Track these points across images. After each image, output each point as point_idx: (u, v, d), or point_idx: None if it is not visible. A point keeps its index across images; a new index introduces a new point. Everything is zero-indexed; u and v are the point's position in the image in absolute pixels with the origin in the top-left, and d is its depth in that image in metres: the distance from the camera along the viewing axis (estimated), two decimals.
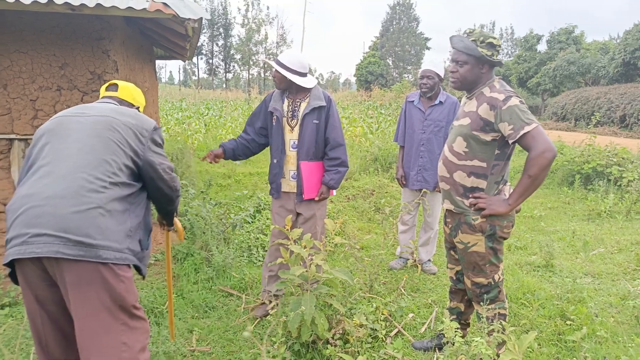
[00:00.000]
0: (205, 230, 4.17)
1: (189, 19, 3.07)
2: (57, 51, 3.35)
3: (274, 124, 3.09)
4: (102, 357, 1.66)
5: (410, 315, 3.30)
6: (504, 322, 2.16)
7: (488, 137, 2.29)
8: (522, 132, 2.14)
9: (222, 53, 51.27)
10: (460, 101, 3.99)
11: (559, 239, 5.32)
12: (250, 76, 50.24)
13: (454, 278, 2.71)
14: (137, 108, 2.22)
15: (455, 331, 2.05)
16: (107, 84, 2.18)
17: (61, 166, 1.71)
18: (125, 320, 1.72)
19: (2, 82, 3.27)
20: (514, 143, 2.23)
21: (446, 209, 2.55)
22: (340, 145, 3.10)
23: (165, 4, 3.04)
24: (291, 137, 3.08)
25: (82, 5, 2.81)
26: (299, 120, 3.04)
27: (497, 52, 2.32)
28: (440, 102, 3.95)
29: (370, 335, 2.84)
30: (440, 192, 3.88)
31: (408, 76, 45.55)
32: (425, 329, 3.16)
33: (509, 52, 56.69)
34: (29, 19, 3.21)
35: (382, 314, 3.01)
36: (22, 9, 2.79)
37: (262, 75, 47.74)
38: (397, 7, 51.11)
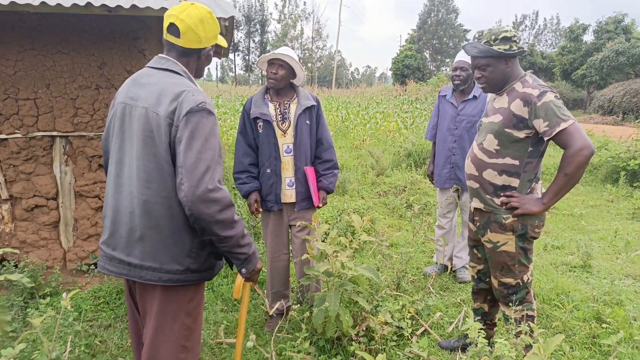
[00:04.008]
0: None
1: (220, 17, 3.13)
2: (95, 51, 3.49)
3: (260, 130, 2.88)
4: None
5: (438, 314, 3.26)
6: (532, 324, 2.11)
7: (521, 134, 2.21)
8: (558, 129, 2.07)
9: (259, 49, 51.86)
10: None
11: (600, 239, 5.12)
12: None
13: (476, 277, 2.67)
14: (206, 49, 1.84)
15: (479, 332, 2.02)
16: (167, 23, 1.76)
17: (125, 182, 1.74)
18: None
19: (45, 82, 3.43)
20: (549, 140, 2.16)
21: (474, 208, 2.50)
22: (332, 146, 3.04)
23: (203, 5, 3.11)
24: (284, 141, 2.91)
25: (118, 6, 2.91)
26: (291, 122, 2.89)
27: (515, 42, 2.23)
28: (474, 97, 3.79)
29: (396, 334, 2.84)
30: None
31: (445, 69, 44.67)
32: (453, 329, 3.12)
33: (553, 44, 54.64)
34: (70, 21, 3.35)
35: (409, 312, 2.99)
36: (63, 12, 2.92)
37: None
38: None
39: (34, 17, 3.26)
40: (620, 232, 5.24)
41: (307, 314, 2.61)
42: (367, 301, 2.84)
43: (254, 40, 53.29)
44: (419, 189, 6.88)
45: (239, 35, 52.68)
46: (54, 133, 3.51)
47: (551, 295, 3.51)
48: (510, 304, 2.40)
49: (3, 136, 3.42)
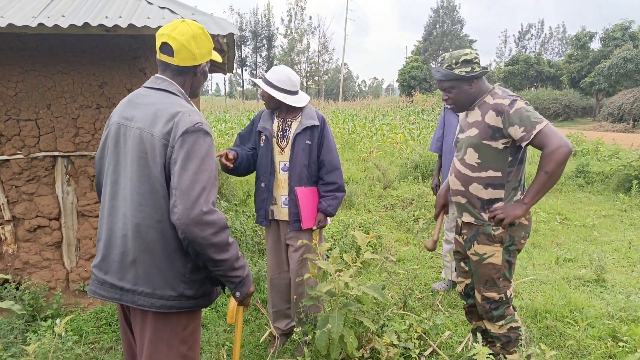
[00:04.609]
0: (240, 242, 4.19)
1: (218, 35, 3.11)
2: (96, 71, 3.48)
3: (262, 144, 2.87)
4: None
5: (447, 333, 3.16)
6: (543, 346, 2.03)
7: (499, 145, 2.27)
8: (534, 132, 2.13)
9: (266, 64, 52.32)
10: None
11: (613, 250, 4.98)
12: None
13: (463, 293, 2.66)
14: (201, 65, 1.80)
15: (488, 357, 1.93)
16: (160, 43, 1.72)
17: (121, 204, 1.69)
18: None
19: (46, 102, 3.43)
20: (527, 145, 2.21)
21: (463, 221, 2.51)
22: (336, 168, 2.89)
23: (195, 21, 3.10)
24: (281, 159, 2.87)
25: (116, 26, 2.91)
26: (289, 140, 2.84)
27: (477, 63, 2.32)
28: None
29: (403, 355, 2.74)
30: None
31: None
32: (463, 348, 3.01)
33: (560, 52, 54.52)
34: (70, 41, 3.35)
35: (416, 332, 2.90)
36: (62, 32, 2.91)
37: (305, 84, 48.24)
38: (441, 10, 50.39)
39: (35, 39, 3.27)
40: (635, 243, 5.10)
41: (310, 336, 2.53)
42: (372, 321, 2.75)
43: (261, 55, 53.74)
44: (426, 201, 6.79)
45: (246, 51, 53.21)
46: (56, 153, 3.50)
47: (564, 312, 3.39)
48: (492, 320, 2.44)
49: (5, 157, 3.42)
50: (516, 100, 2.22)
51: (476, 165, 2.34)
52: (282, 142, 2.87)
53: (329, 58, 51.16)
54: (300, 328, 2.70)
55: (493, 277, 2.37)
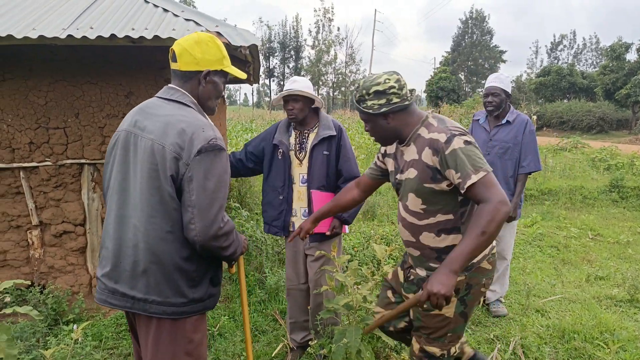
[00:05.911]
0: (260, 252, 4.19)
1: (241, 46, 3.14)
2: (123, 81, 3.56)
3: (279, 157, 2.87)
4: None
5: None
6: None
7: (443, 186, 1.88)
8: (469, 182, 1.73)
9: (293, 75, 52.90)
10: (505, 121, 3.66)
11: None
12: (319, 96, 51.25)
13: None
14: (207, 72, 1.77)
15: None
16: (171, 51, 1.78)
17: (128, 213, 1.71)
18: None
19: (75, 111, 3.52)
20: (465, 193, 1.78)
21: (418, 273, 2.10)
22: (355, 177, 2.82)
23: (218, 32, 3.14)
24: (300, 171, 2.87)
25: (141, 37, 2.97)
26: (307, 152, 2.84)
27: (394, 94, 1.88)
28: (508, 122, 3.65)
29: None
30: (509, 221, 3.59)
31: (481, 91, 44.08)
32: None
33: (593, 63, 53.22)
34: (98, 52, 3.44)
35: None
36: (89, 44, 3.00)
37: (331, 94, 48.46)
38: (470, 21, 50.01)
39: (65, 50, 3.37)
40: None
41: (326, 350, 2.48)
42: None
43: (288, 66, 54.42)
44: None
45: (274, 62, 54.00)
46: (83, 161, 3.58)
47: (594, 333, 3.24)
48: None
49: (34, 164, 3.52)
50: (454, 136, 1.81)
51: (422, 212, 1.96)
52: (300, 154, 2.87)
53: (356, 69, 51.34)
54: (317, 341, 2.67)
55: (440, 330, 1.99)
